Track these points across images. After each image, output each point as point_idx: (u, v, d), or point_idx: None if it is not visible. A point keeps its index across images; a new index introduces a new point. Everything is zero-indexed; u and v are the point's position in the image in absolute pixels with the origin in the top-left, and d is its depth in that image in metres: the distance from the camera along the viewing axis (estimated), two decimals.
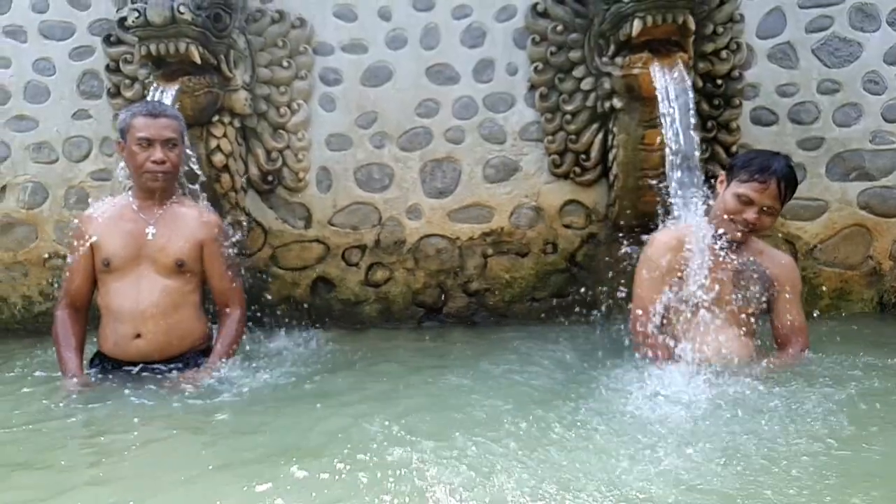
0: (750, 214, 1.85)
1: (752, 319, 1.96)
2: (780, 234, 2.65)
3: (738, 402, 1.60)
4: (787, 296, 1.96)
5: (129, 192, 2.12)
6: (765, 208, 1.85)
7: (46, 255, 2.79)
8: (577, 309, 2.74)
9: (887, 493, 1.10)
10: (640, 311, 1.99)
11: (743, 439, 1.35)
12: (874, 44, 2.60)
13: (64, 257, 2.73)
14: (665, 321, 1.96)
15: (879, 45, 2.60)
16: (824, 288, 2.69)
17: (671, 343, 1.92)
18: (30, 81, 2.80)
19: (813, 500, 1.08)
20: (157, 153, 1.95)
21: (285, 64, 2.67)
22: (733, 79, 2.56)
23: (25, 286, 2.82)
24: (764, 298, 1.95)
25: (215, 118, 2.54)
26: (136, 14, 2.26)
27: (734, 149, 2.58)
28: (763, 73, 2.64)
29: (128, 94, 2.67)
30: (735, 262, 1.92)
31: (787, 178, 1.85)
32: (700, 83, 2.47)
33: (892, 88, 2.61)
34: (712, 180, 2.13)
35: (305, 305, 2.80)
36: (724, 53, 2.52)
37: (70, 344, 2.03)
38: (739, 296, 1.93)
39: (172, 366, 2.02)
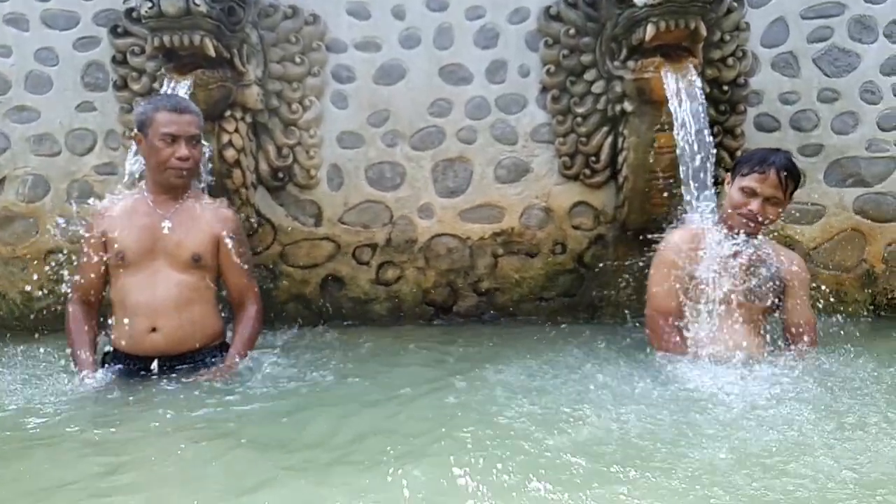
0: (754, 205, 1.93)
1: (763, 316, 2.03)
2: (780, 237, 2.73)
3: (755, 394, 1.65)
4: (797, 293, 2.04)
5: (143, 186, 2.09)
6: (768, 198, 1.92)
7: (47, 250, 2.72)
8: (583, 309, 2.79)
9: None
10: (655, 309, 2.04)
11: (767, 430, 1.39)
12: (871, 55, 2.70)
13: (66, 252, 2.67)
14: (680, 318, 2.01)
15: (877, 56, 2.70)
16: (821, 290, 2.77)
17: (686, 339, 1.98)
18: (31, 71, 2.72)
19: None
20: (183, 150, 1.93)
21: (298, 60, 2.65)
22: (739, 85, 2.63)
23: (24, 281, 2.74)
24: (774, 295, 2.02)
25: (227, 113, 2.51)
26: (150, 4, 2.22)
27: (738, 153, 2.64)
28: (767, 81, 2.72)
29: (135, 86, 2.62)
30: (746, 259, 1.98)
31: (786, 168, 1.93)
32: (707, 89, 2.53)
33: (887, 98, 2.70)
34: (718, 184, 2.21)
35: (315, 303, 2.78)
36: (730, 60, 2.59)
37: (83, 340, 1.99)
38: (751, 293, 1.99)
39: (188, 362, 2.00)
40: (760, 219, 1.94)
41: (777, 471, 1.18)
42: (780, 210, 1.98)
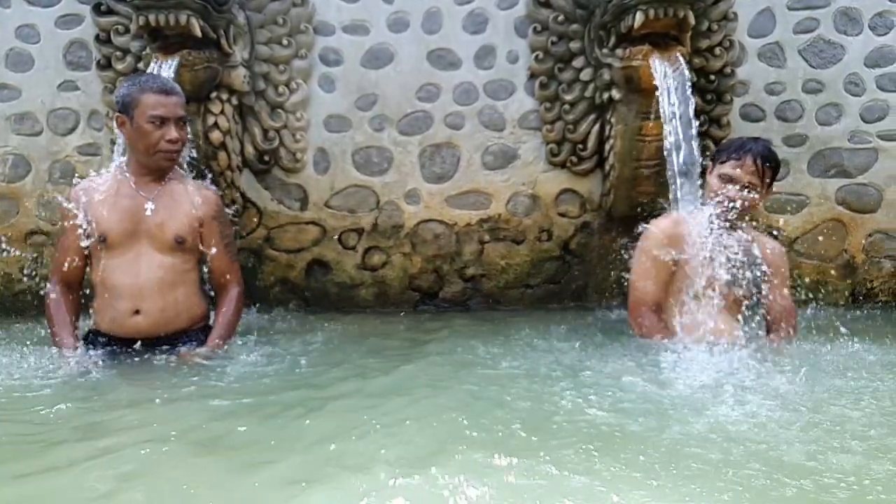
0: (732, 192, 1.93)
1: (744, 303, 2.05)
2: (763, 226, 2.76)
3: (735, 381, 1.66)
4: (778, 281, 2.06)
5: (125, 167, 2.06)
6: (746, 185, 1.93)
7: (28, 231, 2.69)
8: (569, 296, 2.80)
9: None
10: (638, 296, 2.06)
11: (747, 417, 1.41)
12: (856, 47, 2.73)
13: (47, 233, 2.64)
14: (662, 305, 2.03)
15: (861, 48, 2.73)
16: (803, 279, 2.82)
17: (668, 327, 1.99)
18: (12, 49, 2.68)
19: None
20: (172, 132, 1.90)
21: (285, 42, 2.63)
22: (725, 75, 2.65)
23: (5, 263, 2.70)
24: (755, 283, 2.04)
25: (213, 95, 2.49)
26: None
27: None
28: (753, 71, 2.74)
29: (119, 66, 2.58)
30: (729, 248, 2.00)
31: (763, 155, 1.94)
32: (694, 78, 2.54)
33: (871, 90, 2.74)
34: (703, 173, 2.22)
35: (300, 288, 2.77)
36: (717, 50, 2.60)
37: (64, 322, 1.96)
38: (732, 280, 2.01)
39: (170, 344, 1.98)
40: (740, 206, 1.96)
41: (758, 457, 1.19)
42: (758, 197, 2.00)
